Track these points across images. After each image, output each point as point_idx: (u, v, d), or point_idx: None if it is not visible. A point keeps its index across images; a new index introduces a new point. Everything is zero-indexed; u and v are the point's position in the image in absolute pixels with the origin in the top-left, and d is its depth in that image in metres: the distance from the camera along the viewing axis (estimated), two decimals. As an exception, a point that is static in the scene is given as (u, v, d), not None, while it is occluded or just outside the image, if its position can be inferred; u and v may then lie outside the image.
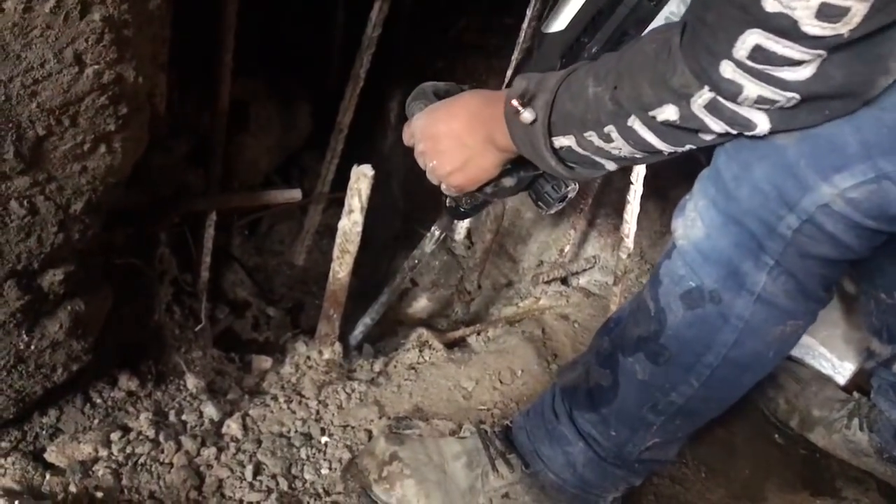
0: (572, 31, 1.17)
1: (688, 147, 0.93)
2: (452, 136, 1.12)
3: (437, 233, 1.51)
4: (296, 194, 1.79)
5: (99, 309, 1.30)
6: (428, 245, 1.53)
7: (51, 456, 1.24)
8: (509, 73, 1.27)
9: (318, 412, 1.50)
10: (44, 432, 1.28)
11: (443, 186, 1.19)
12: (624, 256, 1.67)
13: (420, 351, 1.78)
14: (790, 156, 0.87)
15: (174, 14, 1.26)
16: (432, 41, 2.48)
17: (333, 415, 1.50)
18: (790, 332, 1.02)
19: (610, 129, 0.92)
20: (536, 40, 1.22)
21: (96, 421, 1.34)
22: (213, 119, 1.58)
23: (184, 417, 1.41)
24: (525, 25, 1.67)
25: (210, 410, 1.43)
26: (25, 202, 1.02)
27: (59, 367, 1.24)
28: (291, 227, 2.39)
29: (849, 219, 0.88)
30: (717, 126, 0.85)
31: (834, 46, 0.73)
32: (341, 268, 1.64)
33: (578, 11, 1.16)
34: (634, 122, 0.90)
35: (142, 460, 1.28)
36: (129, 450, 1.28)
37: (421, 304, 2.40)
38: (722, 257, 0.97)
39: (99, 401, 1.37)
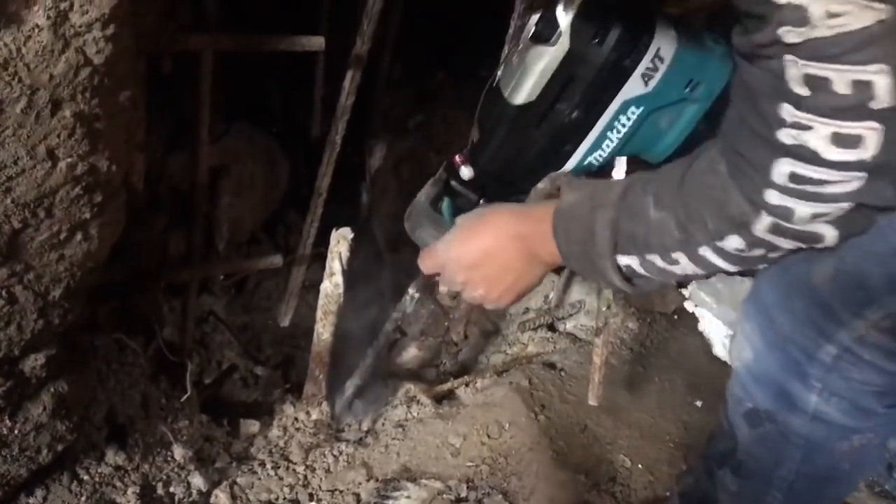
0: (545, 101, 1.16)
1: (761, 266, 0.92)
2: (493, 262, 1.09)
3: (415, 294, 1.52)
4: (276, 260, 1.81)
5: (82, 388, 1.30)
6: (408, 306, 1.55)
7: (37, 538, 1.24)
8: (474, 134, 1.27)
9: (305, 477, 1.50)
10: (30, 513, 1.28)
11: (489, 306, 1.16)
12: (604, 308, 1.68)
13: (408, 407, 1.78)
14: (824, 295, 0.88)
15: (154, 79, 1.27)
16: (411, 95, 2.53)
17: (321, 479, 1.50)
18: (859, 446, 1.01)
19: (678, 255, 0.90)
20: (495, 109, 1.22)
21: (83, 498, 1.33)
22: (192, 189, 1.60)
23: (171, 490, 1.41)
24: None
25: (197, 481, 1.43)
26: (4, 292, 1.04)
27: (44, 449, 1.24)
28: (278, 283, 2.40)
29: (884, 347, 0.89)
30: (788, 244, 0.83)
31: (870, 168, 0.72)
32: (325, 329, 1.66)
33: (549, 81, 1.15)
34: (706, 252, 0.88)
35: (129, 537, 1.28)
36: (116, 527, 1.29)
37: (410, 354, 2.41)
38: (771, 379, 0.98)
39: (86, 477, 1.37)
